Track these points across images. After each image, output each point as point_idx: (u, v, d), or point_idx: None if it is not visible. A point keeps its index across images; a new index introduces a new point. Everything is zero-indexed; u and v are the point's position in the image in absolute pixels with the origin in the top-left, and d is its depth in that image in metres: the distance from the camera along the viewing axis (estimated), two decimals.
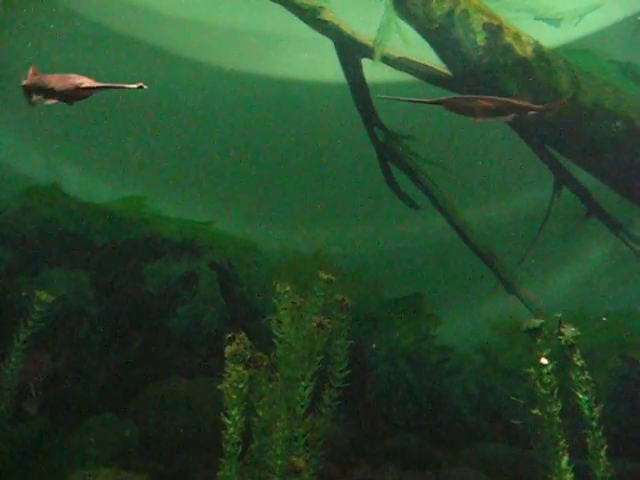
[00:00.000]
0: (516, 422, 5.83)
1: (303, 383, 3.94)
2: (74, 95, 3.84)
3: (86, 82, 3.82)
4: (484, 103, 4.65)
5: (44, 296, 5.20)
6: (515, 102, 4.73)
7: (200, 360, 7.71)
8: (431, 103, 4.60)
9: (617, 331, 7.92)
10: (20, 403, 5.92)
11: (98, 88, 3.85)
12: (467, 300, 12.96)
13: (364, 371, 7.69)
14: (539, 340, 3.69)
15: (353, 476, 6.29)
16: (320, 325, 3.99)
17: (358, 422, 7.14)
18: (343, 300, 4.41)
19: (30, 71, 4.15)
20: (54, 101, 3.92)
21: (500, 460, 6.90)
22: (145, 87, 3.59)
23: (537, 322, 3.77)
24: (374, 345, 8.04)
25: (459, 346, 8.58)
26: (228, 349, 3.65)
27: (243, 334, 3.70)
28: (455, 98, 4.69)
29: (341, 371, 4.34)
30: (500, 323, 8.76)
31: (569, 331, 3.66)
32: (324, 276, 4.36)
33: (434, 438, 7.24)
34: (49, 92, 3.91)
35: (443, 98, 4.74)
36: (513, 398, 4.92)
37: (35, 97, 4.07)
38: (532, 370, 3.88)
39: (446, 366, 8.27)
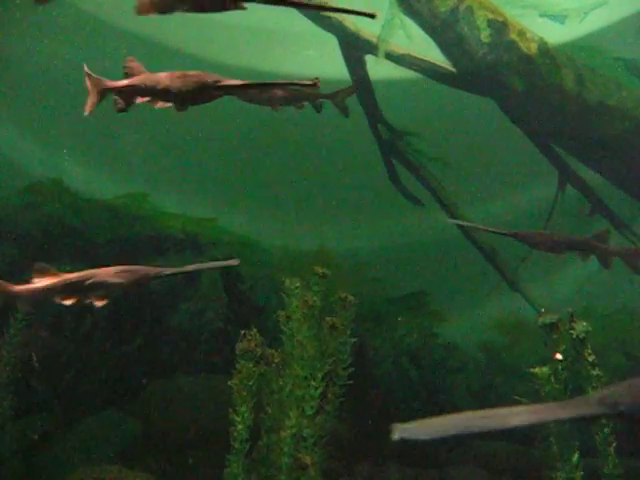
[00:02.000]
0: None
1: (313, 383, 3.92)
2: (200, 97, 2.99)
3: (224, 80, 2.90)
4: (278, 92, 4.65)
5: None
6: (305, 90, 4.73)
7: (202, 357, 7.70)
8: (226, 95, 4.37)
9: (621, 329, 7.90)
10: (27, 377, 5.92)
11: (245, 87, 2.95)
12: (470, 298, 12.94)
13: (367, 369, 7.67)
14: (555, 336, 3.68)
15: (356, 474, 6.27)
16: (333, 327, 3.97)
17: (361, 420, 7.12)
18: (346, 298, 4.38)
19: (130, 66, 3.25)
20: (165, 105, 3.09)
21: (502, 458, 6.89)
22: (318, 84, 2.77)
23: (553, 317, 3.76)
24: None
25: (462, 344, 8.56)
26: (239, 345, 3.64)
27: (255, 330, 3.69)
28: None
29: (344, 368, 4.32)
30: (503, 321, 8.74)
31: (580, 326, 3.65)
32: (319, 270, 4.34)
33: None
34: (160, 93, 3.07)
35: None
36: (516, 397, 4.89)
37: (139, 100, 3.17)
38: (537, 369, 3.86)
39: (449, 364, 8.25)
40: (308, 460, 3.64)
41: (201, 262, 8.33)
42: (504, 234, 3.94)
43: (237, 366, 3.69)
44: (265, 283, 8.07)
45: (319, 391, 3.97)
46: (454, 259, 12.33)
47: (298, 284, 4.16)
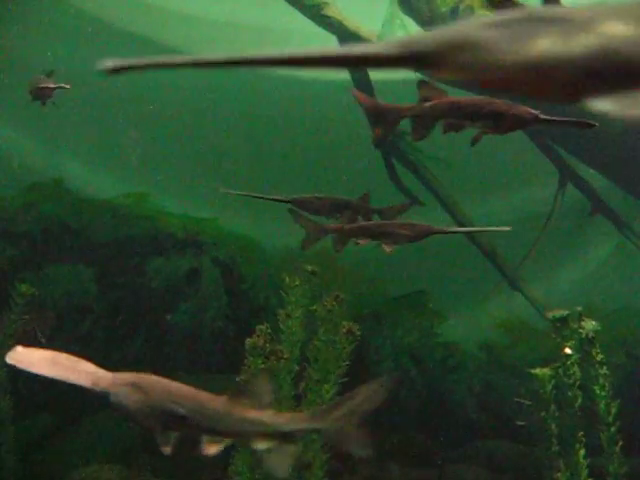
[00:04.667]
0: (521, 423, 5.76)
1: (326, 386, 3.91)
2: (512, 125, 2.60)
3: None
4: None
5: (24, 288, 5.17)
6: None
7: (203, 356, 7.69)
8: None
9: (622, 328, 7.88)
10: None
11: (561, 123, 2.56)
12: (471, 297, 12.94)
13: (367, 368, 7.66)
14: (566, 331, 3.68)
15: (357, 473, 6.27)
16: (349, 332, 3.98)
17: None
18: (337, 296, 4.38)
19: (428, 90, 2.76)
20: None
21: (503, 457, 6.89)
22: None
23: (563, 312, 3.77)
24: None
25: (463, 343, 8.56)
26: (248, 341, 3.65)
27: (266, 325, 3.69)
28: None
29: (340, 367, 4.31)
30: (504, 320, 8.73)
31: (589, 324, 3.65)
32: (308, 268, 4.36)
33: (437, 435, 7.22)
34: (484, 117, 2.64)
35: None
36: (517, 399, 4.88)
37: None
38: (538, 370, 3.85)
39: (450, 363, 8.24)
40: (312, 459, 3.63)
41: (202, 262, 8.34)
42: (282, 201, 4.12)
43: (245, 362, 3.68)
44: (266, 283, 8.06)
45: (330, 394, 3.96)
46: (454, 258, 12.32)
47: (298, 282, 4.16)
